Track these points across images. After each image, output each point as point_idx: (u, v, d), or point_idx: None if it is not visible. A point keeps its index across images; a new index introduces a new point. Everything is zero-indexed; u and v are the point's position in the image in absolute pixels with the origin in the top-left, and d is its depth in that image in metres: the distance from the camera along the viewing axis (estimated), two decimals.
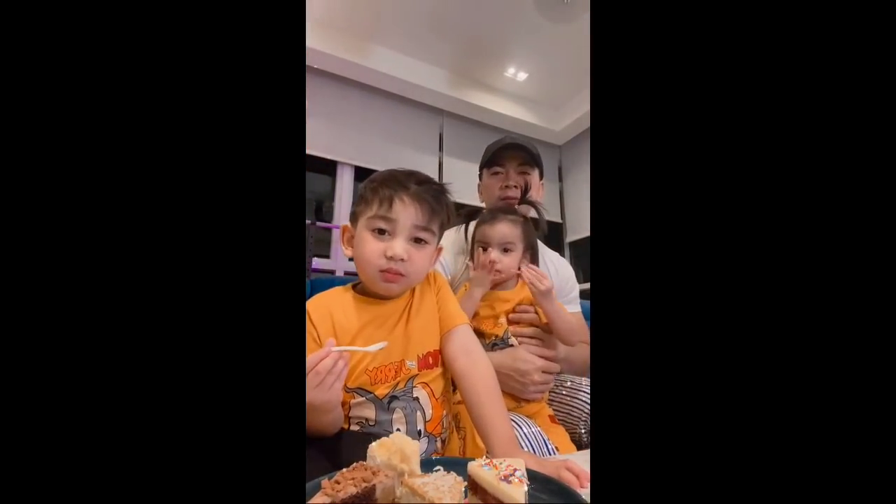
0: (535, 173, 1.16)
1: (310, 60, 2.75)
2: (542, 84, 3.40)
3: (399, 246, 0.65)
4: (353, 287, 0.74)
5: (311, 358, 0.51)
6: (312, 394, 0.51)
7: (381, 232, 0.67)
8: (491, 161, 1.16)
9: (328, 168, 2.95)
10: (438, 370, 0.71)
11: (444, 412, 0.72)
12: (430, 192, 0.69)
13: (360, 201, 0.71)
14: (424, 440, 0.67)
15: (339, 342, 0.64)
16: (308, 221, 2.47)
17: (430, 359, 0.70)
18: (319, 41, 2.71)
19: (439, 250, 0.74)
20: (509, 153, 1.13)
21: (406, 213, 0.66)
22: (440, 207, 0.70)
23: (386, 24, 2.77)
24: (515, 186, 1.11)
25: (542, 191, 1.21)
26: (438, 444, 0.70)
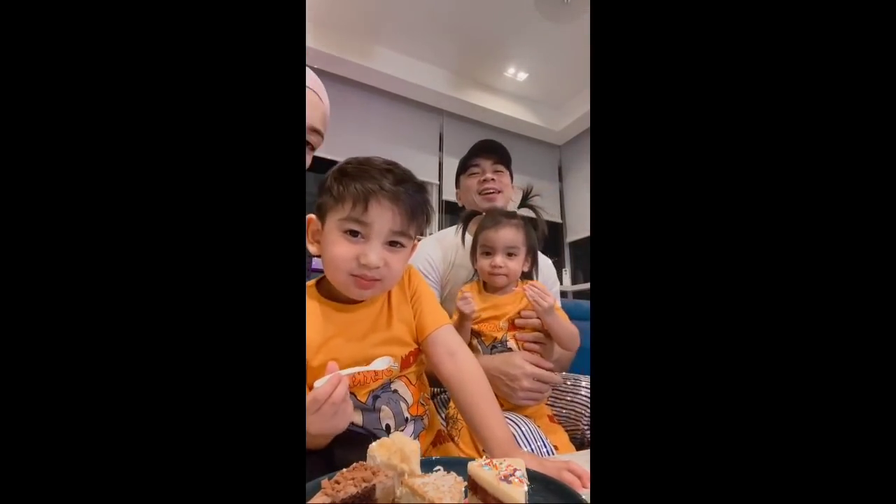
0: (507, 174, 1.22)
1: (310, 60, 2.75)
2: (542, 84, 3.41)
3: (374, 254, 0.59)
4: (317, 286, 0.67)
5: (317, 384, 0.48)
6: (310, 419, 0.48)
7: (354, 234, 0.60)
8: (466, 164, 1.23)
9: (328, 168, 2.95)
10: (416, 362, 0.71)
11: (422, 393, 0.72)
12: (409, 193, 0.62)
13: (326, 193, 0.63)
14: (411, 424, 0.68)
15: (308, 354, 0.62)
16: None
17: (412, 358, 0.70)
18: (319, 41, 2.71)
19: (414, 245, 0.68)
20: (483, 153, 1.21)
21: (383, 217, 0.59)
22: (420, 209, 0.63)
23: (386, 24, 2.78)
24: (493, 179, 1.17)
25: (513, 191, 1.25)
26: (426, 420, 0.71)
